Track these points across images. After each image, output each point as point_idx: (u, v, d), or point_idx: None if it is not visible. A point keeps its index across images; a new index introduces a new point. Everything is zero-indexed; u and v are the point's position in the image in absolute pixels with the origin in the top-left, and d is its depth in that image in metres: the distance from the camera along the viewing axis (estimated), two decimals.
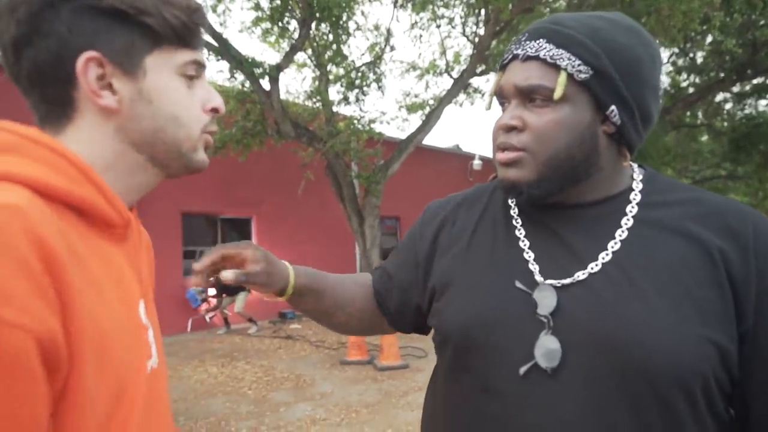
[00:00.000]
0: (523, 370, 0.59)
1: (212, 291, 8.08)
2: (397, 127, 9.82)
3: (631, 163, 0.68)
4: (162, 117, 0.53)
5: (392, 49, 8.83)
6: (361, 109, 8.25)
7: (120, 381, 0.45)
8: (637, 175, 0.67)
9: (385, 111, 9.20)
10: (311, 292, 0.76)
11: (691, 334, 0.55)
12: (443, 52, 9.80)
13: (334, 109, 8.20)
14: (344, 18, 7.24)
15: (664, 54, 10.01)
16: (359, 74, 8.23)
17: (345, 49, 7.98)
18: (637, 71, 0.60)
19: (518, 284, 0.63)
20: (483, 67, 8.75)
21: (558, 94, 0.58)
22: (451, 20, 9.35)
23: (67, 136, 0.51)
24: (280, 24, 7.46)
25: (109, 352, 0.44)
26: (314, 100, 8.64)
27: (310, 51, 8.13)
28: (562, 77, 0.58)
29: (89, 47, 0.49)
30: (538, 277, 0.63)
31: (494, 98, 0.68)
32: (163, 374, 0.59)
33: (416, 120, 9.77)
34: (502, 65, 0.66)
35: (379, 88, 8.29)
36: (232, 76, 6.97)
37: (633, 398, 0.55)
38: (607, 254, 0.61)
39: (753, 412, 0.58)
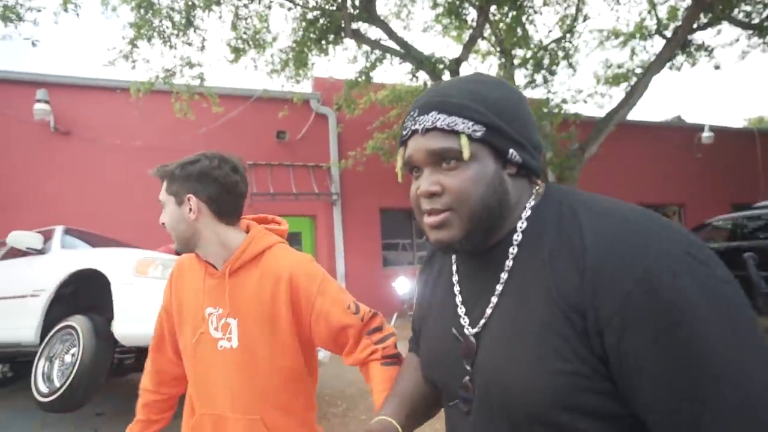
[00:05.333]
0: (450, 404, 0.73)
1: None
2: (595, 103, 8.73)
3: (538, 189, 0.71)
4: None
5: (585, 18, 7.92)
6: (549, 91, 7.66)
7: (164, 322, 1.33)
8: (528, 209, 0.69)
9: (580, 89, 8.31)
10: (414, 418, 0.83)
11: (545, 371, 0.58)
12: (652, 9, 8.37)
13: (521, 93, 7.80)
14: None
15: None
16: (547, 53, 7.64)
17: (530, 29, 7.51)
18: (515, 114, 0.68)
19: (453, 330, 0.72)
20: (706, 18, 7.18)
21: (466, 155, 0.65)
22: None
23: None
24: (458, 15, 7.44)
25: (167, 308, 1.30)
26: None
27: (494, 38, 7.91)
28: (464, 140, 0.65)
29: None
30: (463, 321, 0.71)
31: (403, 170, 0.75)
32: (238, 354, 1.15)
33: (619, 94, 8.59)
34: (403, 141, 0.73)
35: (570, 64, 7.55)
36: (414, 76, 7.25)
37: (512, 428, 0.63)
38: (494, 297, 0.68)
39: (650, 425, 0.56)
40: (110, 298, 3.16)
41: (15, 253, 4.27)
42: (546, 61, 7.55)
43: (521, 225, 0.68)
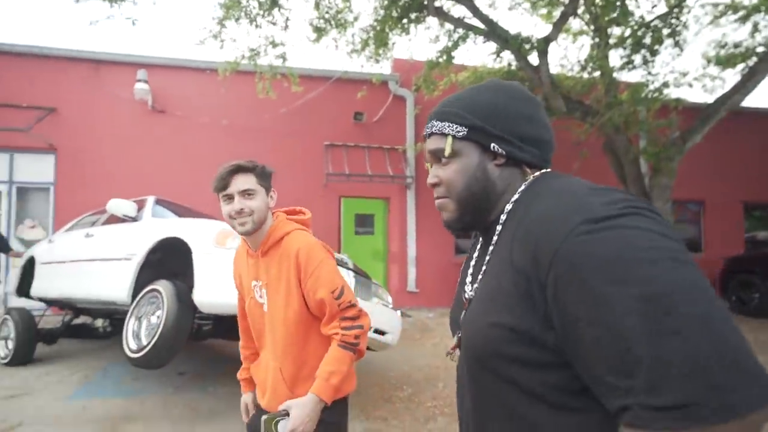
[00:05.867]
0: (448, 353, 0.91)
1: None
2: (703, 87, 7.76)
3: (535, 175, 0.81)
4: (224, 216, 1.56)
5: None
6: (650, 73, 6.96)
7: (240, 293, 1.73)
8: (518, 192, 0.80)
9: (685, 71, 7.46)
10: None
11: (485, 324, 0.73)
12: None
13: (615, 76, 7.16)
14: None
15: None
16: (649, 31, 6.92)
17: (630, 4, 6.83)
18: (501, 114, 0.80)
19: (464, 296, 0.86)
20: None
21: (447, 151, 0.81)
22: None
23: None
24: None
25: (237, 284, 1.71)
26: (589, 69, 7.76)
27: (588, 15, 7.30)
28: (449, 140, 0.81)
29: None
30: (467, 288, 0.85)
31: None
32: (268, 315, 1.54)
33: (734, 77, 7.60)
34: (425, 139, 0.89)
35: (677, 43, 6.79)
36: (498, 56, 6.90)
37: (473, 374, 0.79)
38: (484, 266, 0.80)
39: (585, 379, 0.62)
40: (192, 266, 3.31)
41: (114, 219, 4.62)
42: (647, 40, 6.85)
43: (508, 207, 0.79)
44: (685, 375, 0.51)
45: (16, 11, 26.32)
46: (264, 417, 1.34)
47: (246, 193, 1.50)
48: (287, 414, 1.35)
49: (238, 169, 1.52)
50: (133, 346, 3.33)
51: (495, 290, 0.72)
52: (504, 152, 0.79)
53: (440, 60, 6.81)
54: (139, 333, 3.41)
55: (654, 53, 6.71)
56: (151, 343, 3.17)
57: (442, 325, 7.58)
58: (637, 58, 6.92)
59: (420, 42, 32.89)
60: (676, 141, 7.00)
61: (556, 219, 0.64)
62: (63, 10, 27.17)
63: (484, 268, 0.79)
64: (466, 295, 0.83)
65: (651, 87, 6.98)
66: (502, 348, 0.69)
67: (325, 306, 1.45)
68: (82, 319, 5.90)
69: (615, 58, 7.27)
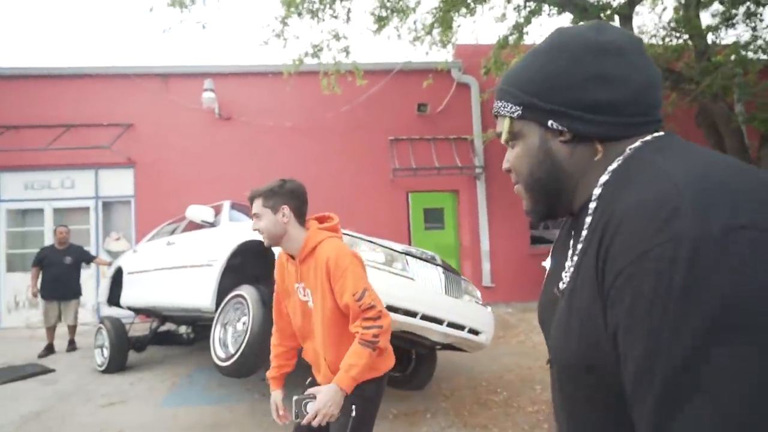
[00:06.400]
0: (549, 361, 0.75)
1: None
2: None
3: (628, 150, 0.64)
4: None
5: None
6: (754, 29, 6.12)
7: (279, 295, 1.92)
8: (607, 173, 0.64)
9: None
10: None
11: (566, 330, 0.63)
12: None
13: (710, 38, 6.37)
14: None
15: None
16: None
17: None
18: (555, 82, 0.66)
19: (556, 291, 0.71)
20: None
21: (504, 136, 0.74)
22: None
23: None
24: None
25: (279, 286, 1.91)
26: (678, 34, 6.97)
27: None
28: (506, 122, 0.72)
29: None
30: (558, 283, 0.71)
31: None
32: (313, 311, 1.75)
33: None
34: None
35: None
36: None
37: (560, 384, 0.69)
38: (570, 267, 0.67)
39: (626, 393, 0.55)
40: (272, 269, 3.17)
41: (193, 226, 4.63)
42: None
43: (597, 192, 0.64)
44: None
45: (87, 33, 28.42)
46: (295, 397, 1.60)
47: (255, 216, 1.79)
48: (314, 397, 1.58)
49: (251, 196, 1.80)
50: (222, 354, 3.24)
51: (579, 298, 0.62)
52: (563, 128, 0.66)
53: (511, 37, 6.35)
54: (226, 340, 3.31)
55: (761, 4, 5.87)
56: (240, 351, 3.05)
57: (524, 321, 7.13)
58: (740, 12, 6.08)
59: (483, 25, 31.95)
60: None
61: (655, 214, 0.50)
62: (128, 26, 28.95)
63: (569, 263, 0.68)
64: (557, 291, 0.71)
65: (755, 45, 6.15)
66: (592, 362, 0.60)
67: (348, 308, 1.66)
68: (167, 326, 6.05)
69: (706, 18, 6.44)
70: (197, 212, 4.18)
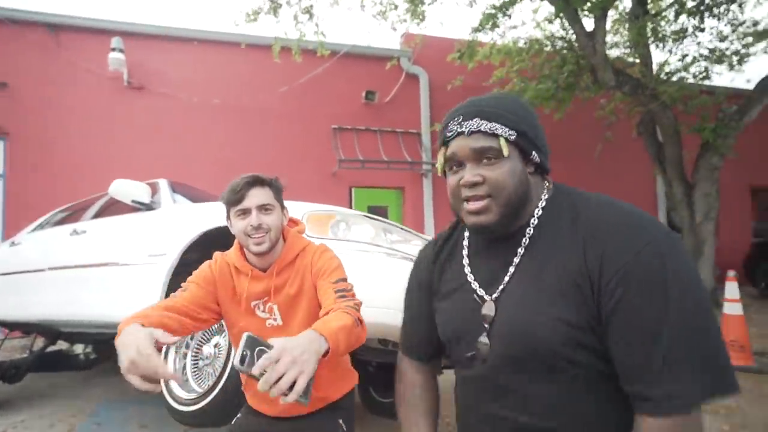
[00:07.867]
0: (468, 355, 0.93)
1: None
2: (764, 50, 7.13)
3: (548, 185, 0.92)
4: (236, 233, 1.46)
5: None
6: (698, 44, 6.33)
7: (226, 314, 1.49)
8: (543, 200, 0.90)
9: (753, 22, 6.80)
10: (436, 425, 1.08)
11: (553, 319, 0.80)
12: None
13: (660, 52, 6.52)
14: None
15: None
16: None
17: None
18: (534, 125, 0.89)
19: (475, 296, 0.92)
20: None
21: (506, 152, 0.85)
22: None
23: None
24: None
25: (222, 305, 1.48)
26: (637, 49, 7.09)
27: None
28: (503, 141, 0.85)
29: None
30: (480, 291, 0.91)
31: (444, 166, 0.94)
32: (282, 329, 1.45)
33: None
34: (445, 142, 0.90)
35: (740, 4, 6.21)
36: (557, 17, 6.07)
37: (524, 366, 0.85)
38: (512, 268, 0.88)
39: (616, 365, 0.78)
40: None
41: (112, 211, 3.41)
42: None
43: (537, 212, 0.88)
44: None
45: None
46: (248, 333, 0.98)
47: (264, 208, 1.44)
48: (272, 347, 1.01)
49: (256, 182, 1.44)
50: (181, 394, 2.20)
51: (553, 292, 0.81)
52: (539, 161, 0.88)
53: (494, 19, 5.89)
54: (186, 373, 2.28)
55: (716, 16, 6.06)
56: (219, 387, 2.06)
57: None
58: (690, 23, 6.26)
59: (446, 13, 31.60)
60: (733, 116, 6.46)
61: (635, 229, 0.78)
62: None
63: (512, 270, 0.87)
64: (486, 297, 0.89)
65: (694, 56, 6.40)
66: (567, 343, 0.79)
67: (321, 289, 1.43)
68: (56, 345, 4.56)
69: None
70: (126, 189, 3.02)
